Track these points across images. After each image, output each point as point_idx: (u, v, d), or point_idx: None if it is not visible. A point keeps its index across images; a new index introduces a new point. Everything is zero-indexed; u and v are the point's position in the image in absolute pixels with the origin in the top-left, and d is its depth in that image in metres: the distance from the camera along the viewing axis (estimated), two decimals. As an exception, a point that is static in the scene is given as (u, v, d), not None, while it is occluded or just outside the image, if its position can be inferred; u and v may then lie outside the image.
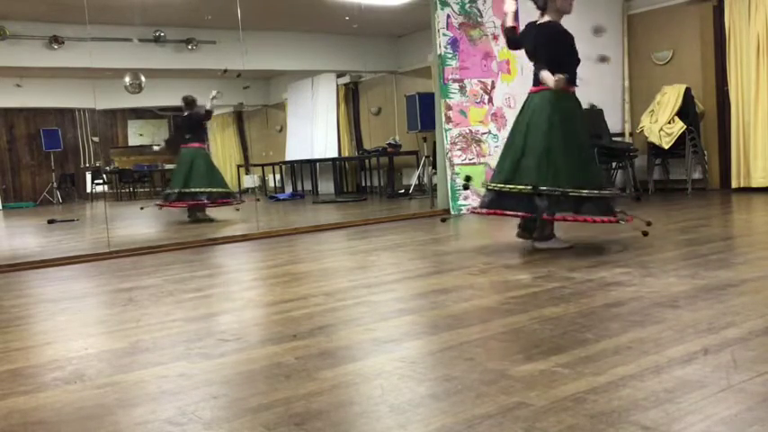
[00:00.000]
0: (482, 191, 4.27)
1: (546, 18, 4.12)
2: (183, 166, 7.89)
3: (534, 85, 4.16)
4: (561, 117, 4.02)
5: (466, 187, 4.76)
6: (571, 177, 3.93)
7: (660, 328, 2.24)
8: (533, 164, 3.97)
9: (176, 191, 7.83)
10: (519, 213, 4.06)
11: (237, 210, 8.32)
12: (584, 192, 3.91)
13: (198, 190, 7.77)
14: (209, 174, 7.90)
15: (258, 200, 9.31)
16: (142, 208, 9.15)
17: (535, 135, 4.02)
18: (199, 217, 7.97)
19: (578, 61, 4.10)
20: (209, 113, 8.09)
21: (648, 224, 4.24)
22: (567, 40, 4.09)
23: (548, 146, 3.97)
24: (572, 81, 4.07)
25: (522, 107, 4.22)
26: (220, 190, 7.93)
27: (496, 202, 4.13)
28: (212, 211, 8.28)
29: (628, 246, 4.12)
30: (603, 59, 4.81)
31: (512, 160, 4.09)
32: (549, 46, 4.09)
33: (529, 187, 3.93)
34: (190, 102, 8.03)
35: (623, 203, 5.22)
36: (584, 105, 4.60)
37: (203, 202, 7.87)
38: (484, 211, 4.22)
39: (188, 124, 8.07)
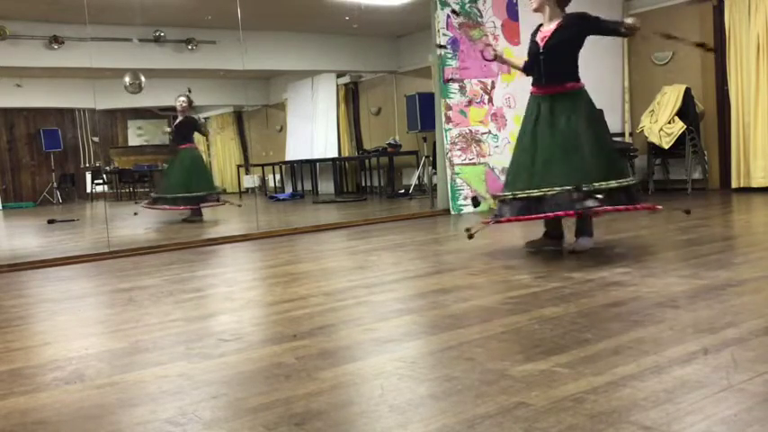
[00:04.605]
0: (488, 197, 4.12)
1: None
2: (170, 169, 8.03)
3: (547, 84, 4.02)
4: (584, 114, 3.95)
5: (476, 204, 4.77)
6: (607, 170, 3.81)
7: (660, 328, 2.24)
8: (572, 163, 3.81)
9: (158, 196, 7.92)
10: (559, 213, 3.82)
11: (240, 206, 8.32)
12: (623, 181, 3.82)
13: (177, 196, 7.76)
14: (187, 177, 7.80)
15: (240, 205, 9.04)
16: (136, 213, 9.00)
17: (562, 135, 3.88)
18: (187, 219, 7.94)
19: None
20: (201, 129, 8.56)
21: (687, 212, 4.33)
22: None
23: (580, 143, 3.84)
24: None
25: (533, 110, 4.03)
26: (196, 194, 7.81)
27: (526, 209, 3.89)
28: (210, 212, 8.27)
29: (628, 246, 4.12)
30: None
31: (536, 164, 3.89)
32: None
33: (568, 188, 3.73)
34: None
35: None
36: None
37: (180, 208, 7.88)
38: (508, 219, 3.99)
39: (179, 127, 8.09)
